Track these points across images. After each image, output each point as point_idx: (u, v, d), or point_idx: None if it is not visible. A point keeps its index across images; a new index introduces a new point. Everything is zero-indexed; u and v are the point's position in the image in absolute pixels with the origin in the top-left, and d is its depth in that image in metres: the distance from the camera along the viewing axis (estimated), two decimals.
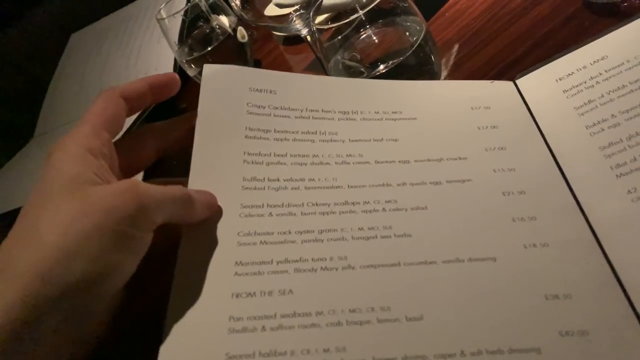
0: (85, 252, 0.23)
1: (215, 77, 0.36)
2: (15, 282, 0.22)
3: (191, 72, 0.56)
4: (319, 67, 0.54)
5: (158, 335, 0.26)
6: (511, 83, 0.41)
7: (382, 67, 0.43)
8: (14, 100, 0.71)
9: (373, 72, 0.43)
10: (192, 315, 0.26)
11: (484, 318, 0.27)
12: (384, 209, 0.32)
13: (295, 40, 0.63)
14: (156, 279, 0.29)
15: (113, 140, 0.31)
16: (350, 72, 0.45)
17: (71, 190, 0.25)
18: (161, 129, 0.35)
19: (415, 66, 0.43)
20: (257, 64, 0.59)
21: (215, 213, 0.30)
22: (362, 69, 0.45)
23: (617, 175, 0.33)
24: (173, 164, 0.49)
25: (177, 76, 0.34)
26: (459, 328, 0.27)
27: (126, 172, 0.32)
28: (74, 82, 0.71)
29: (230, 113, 0.35)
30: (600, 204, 0.32)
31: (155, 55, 0.60)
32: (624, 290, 0.28)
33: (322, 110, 0.37)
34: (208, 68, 0.36)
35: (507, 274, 0.29)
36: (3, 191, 0.57)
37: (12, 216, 0.52)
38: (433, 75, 0.43)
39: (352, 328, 0.26)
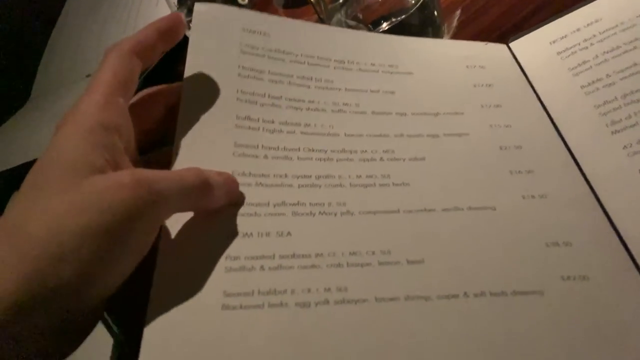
0: (76, 254, 0.21)
1: (207, 13, 0.34)
2: None
3: (189, 32, 0.54)
4: None
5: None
6: (504, 46, 0.41)
7: (384, 24, 0.43)
8: (9, 66, 0.69)
9: (375, 31, 0.43)
10: (187, 254, 0.25)
11: (486, 262, 0.27)
12: (381, 158, 0.31)
13: (295, 3, 0.62)
14: None
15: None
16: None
17: (67, 180, 0.22)
18: (170, 90, 0.32)
19: (418, 26, 0.42)
20: None
21: (235, 201, 0.27)
22: (364, 29, 0.44)
23: (612, 132, 0.33)
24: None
25: (181, 15, 0.30)
26: (461, 271, 0.26)
27: (142, 141, 0.29)
28: (71, 45, 0.68)
29: (222, 50, 0.33)
30: (596, 159, 0.32)
31: (155, 17, 0.58)
32: (621, 239, 0.29)
33: (318, 57, 0.35)
34: (200, 5, 0.34)
35: (507, 222, 0.29)
36: None
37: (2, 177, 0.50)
38: (435, 36, 0.43)
39: (353, 269, 0.26)
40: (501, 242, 0.28)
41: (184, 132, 0.29)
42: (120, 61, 0.27)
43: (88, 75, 0.60)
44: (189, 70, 0.32)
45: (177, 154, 0.28)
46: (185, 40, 0.36)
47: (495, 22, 0.45)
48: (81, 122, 0.24)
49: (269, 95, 0.32)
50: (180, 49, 0.32)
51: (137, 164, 0.26)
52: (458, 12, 0.47)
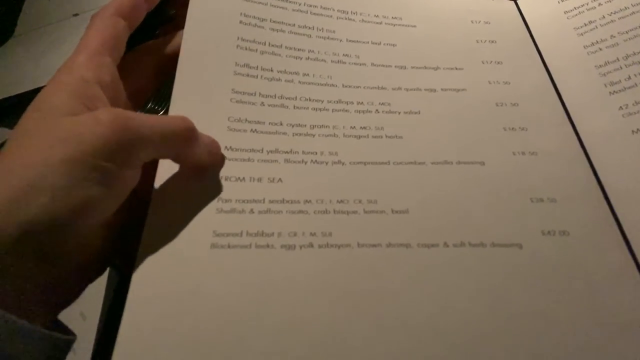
0: (49, 186, 0.20)
1: None
2: None
3: None
4: None
5: None
6: (512, 2, 0.40)
7: None
8: None
9: None
10: (180, 194, 0.26)
11: (468, 215, 0.28)
12: (377, 110, 0.32)
13: None
14: None
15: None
16: None
17: (47, 121, 0.23)
18: (156, 46, 0.32)
19: None
20: None
21: (217, 162, 0.28)
22: None
23: (610, 93, 0.33)
24: (174, 14, 0.47)
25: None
26: (443, 222, 0.27)
27: (133, 100, 0.30)
28: None
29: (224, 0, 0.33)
30: (591, 117, 0.33)
31: None
32: (606, 197, 0.29)
33: (321, 7, 0.36)
34: None
35: (494, 177, 0.29)
36: None
37: None
38: None
39: (339, 216, 0.27)
40: (486, 196, 0.28)
41: (183, 78, 0.30)
42: (105, 23, 0.27)
43: (75, 15, 0.60)
44: (189, 18, 0.32)
45: (174, 98, 0.29)
46: None
47: None
48: (64, 78, 0.25)
49: (269, 44, 0.33)
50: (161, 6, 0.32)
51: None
52: None
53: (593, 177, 0.30)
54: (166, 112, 0.44)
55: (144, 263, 0.24)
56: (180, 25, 0.33)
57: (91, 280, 0.26)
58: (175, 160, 0.26)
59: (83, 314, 0.36)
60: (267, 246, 0.25)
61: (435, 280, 0.25)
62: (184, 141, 0.25)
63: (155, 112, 0.45)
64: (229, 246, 0.25)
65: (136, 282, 0.23)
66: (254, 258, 0.24)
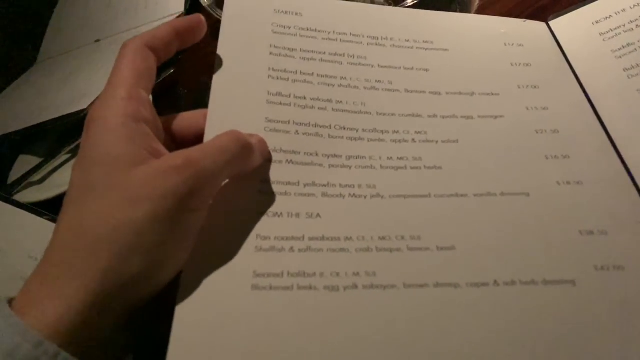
0: (142, 245, 0.21)
1: None
2: (74, 283, 0.20)
3: (204, 1, 0.53)
4: None
5: None
6: (544, 24, 0.40)
7: (410, 1, 0.41)
8: (17, 28, 0.68)
9: (400, 5, 0.41)
10: (218, 231, 0.25)
11: (517, 250, 0.26)
12: (413, 139, 0.31)
13: None
14: None
15: None
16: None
17: (114, 176, 0.22)
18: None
19: (445, 2, 0.41)
20: None
21: (267, 157, 0.28)
22: (385, 4, 0.43)
23: None
24: (183, 92, 0.47)
25: (203, 18, 0.30)
26: (491, 259, 0.26)
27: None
28: (79, 9, 0.67)
29: (254, 32, 0.33)
30: (636, 144, 0.31)
31: None
32: None
33: (351, 34, 0.35)
34: None
35: (540, 209, 0.28)
36: (2, 114, 0.55)
37: (7, 138, 0.51)
38: (463, 12, 0.41)
39: (382, 254, 0.25)
40: (534, 229, 0.27)
41: (215, 110, 0.29)
42: (138, 55, 0.27)
43: (97, 40, 0.60)
44: (221, 50, 0.31)
45: (207, 128, 0.28)
46: None
47: (525, 0, 0.43)
48: (111, 118, 0.24)
49: (300, 72, 0.32)
50: None
51: (169, 150, 0.26)
52: None
53: None
54: None
55: (185, 309, 0.23)
56: (204, 51, 0.32)
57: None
58: (238, 175, 0.26)
59: None
60: (310, 287, 0.24)
61: (489, 322, 0.24)
62: (245, 158, 0.26)
63: None
64: (270, 287, 0.24)
65: (178, 328, 0.22)
66: (296, 300, 0.23)
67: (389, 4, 0.42)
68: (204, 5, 0.54)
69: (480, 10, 0.44)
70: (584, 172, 0.30)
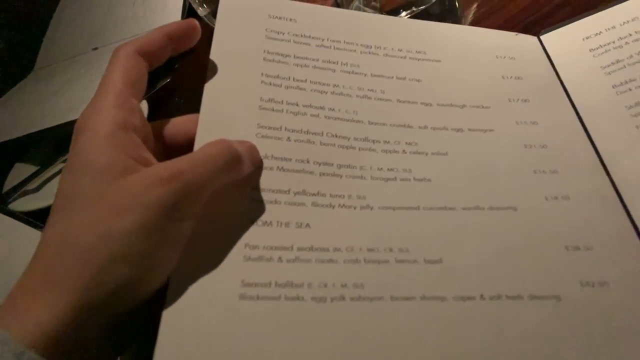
0: (128, 255, 0.21)
1: (233, 2, 0.34)
2: (57, 292, 0.20)
3: (202, 11, 0.54)
4: None
5: None
6: (535, 38, 0.40)
7: (403, 14, 0.42)
8: (14, 35, 0.68)
9: None
10: (206, 239, 0.25)
11: (504, 264, 0.27)
12: (404, 150, 0.31)
13: None
14: None
15: None
16: None
17: (101, 186, 0.22)
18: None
19: (438, 15, 0.42)
20: None
21: (258, 165, 0.28)
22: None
23: None
24: (180, 102, 0.48)
25: (196, 23, 0.30)
26: (478, 273, 0.26)
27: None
28: (77, 16, 0.68)
29: (247, 37, 0.33)
30: (624, 161, 0.32)
31: None
32: None
33: (345, 42, 0.35)
34: None
35: (527, 223, 0.28)
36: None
37: (3, 146, 0.51)
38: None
39: (370, 266, 0.26)
40: (520, 244, 0.28)
41: (207, 113, 0.29)
42: (129, 61, 0.26)
43: (95, 49, 0.60)
44: (214, 54, 0.31)
45: (199, 133, 0.28)
46: None
47: (518, 15, 0.44)
48: (100, 126, 0.24)
49: (293, 79, 0.32)
50: None
51: (159, 157, 0.26)
52: (474, 7, 0.45)
53: (630, 224, 0.29)
54: None
55: (171, 316, 0.23)
56: (200, 59, 0.32)
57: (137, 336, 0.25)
58: (228, 183, 0.26)
59: None
60: (297, 298, 0.24)
61: (472, 336, 0.24)
62: (233, 168, 0.26)
63: None
64: (257, 297, 0.24)
65: (163, 336, 0.22)
66: (283, 311, 0.24)
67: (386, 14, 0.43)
68: (201, 15, 0.54)
69: (473, 24, 0.44)
70: (572, 187, 0.30)
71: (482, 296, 0.25)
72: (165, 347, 0.22)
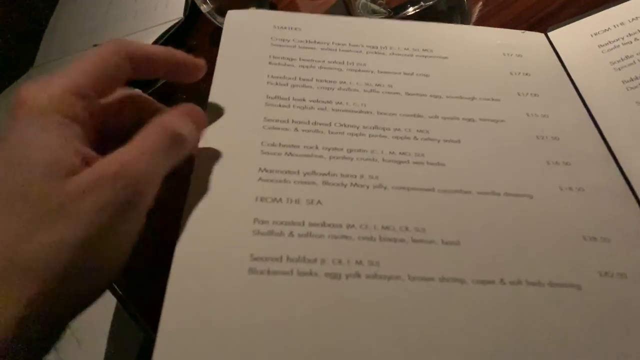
0: (75, 265, 0.20)
1: (238, 17, 0.36)
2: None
3: (205, 8, 0.53)
4: (338, 12, 0.52)
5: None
6: (543, 35, 0.40)
7: (410, 9, 0.42)
8: (14, 31, 0.68)
9: (400, 14, 0.42)
10: (211, 214, 0.24)
11: (522, 250, 0.26)
12: (415, 137, 0.30)
13: None
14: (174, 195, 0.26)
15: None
16: (375, 15, 0.44)
17: (48, 187, 0.20)
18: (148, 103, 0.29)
19: (446, 12, 0.41)
20: (272, 8, 0.57)
21: (202, 125, 0.27)
22: (386, 13, 0.43)
23: None
24: (183, 98, 0.47)
25: (204, 64, 0.29)
26: (497, 257, 0.25)
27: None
28: (78, 13, 0.67)
29: (253, 45, 0.34)
30: (635, 156, 0.31)
31: None
32: None
33: (350, 44, 0.35)
34: (231, 13, 0.36)
35: (544, 211, 0.28)
36: None
37: None
38: (462, 23, 0.42)
39: (386, 244, 0.25)
40: (538, 231, 0.27)
41: (214, 116, 0.29)
42: (110, 57, 0.25)
43: (95, 45, 0.59)
44: (219, 63, 0.32)
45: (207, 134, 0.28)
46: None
47: (525, 12, 0.43)
48: (48, 110, 0.22)
49: (300, 78, 0.32)
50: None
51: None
52: (480, 3, 0.45)
53: None
54: None
55: (176, 290, 0.22)
56: (203, 57, 0.32)
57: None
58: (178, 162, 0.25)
59: (79, 341, 0.34)
60: (310, 273, 0.23)
61: (493, 320, 0.23)
62: (179, 148, 0.24)
63: None
64: (268, 272, 0.23)
65: (168, 310, 0.21)
66: (296, 286, 0.22)
67: (389, 12, 0.43)
68: (204, 12, 0.54)
69: (480, 21, 0.44)
70: (585, 180, 0.30)
71: (502, 280, 0.24)
72: (169, 322, 0.21)
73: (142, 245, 0.24)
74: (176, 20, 0.56)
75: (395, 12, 0.43)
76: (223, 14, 0.52)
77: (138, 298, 0.33)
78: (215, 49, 0.33)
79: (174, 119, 0.25)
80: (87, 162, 0.22)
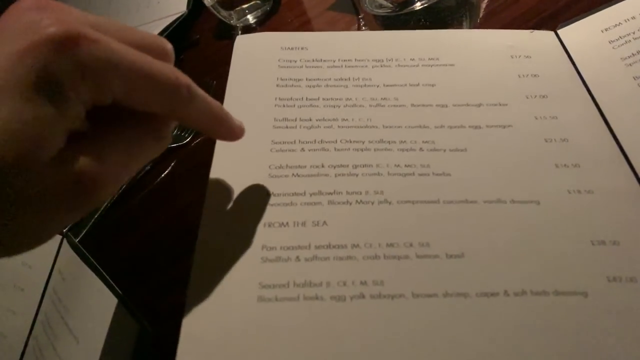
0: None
1: (247, 40, 0.37)
2: None
3: (208, 1, 0.53)
4: (342, 7, 0.51)
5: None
6: (552, 33, 0.39)
7: (418, 4, 0.41)
8: None
9: (408, 8, 0.41)
10: (222, 243, 0.25)
11: (528, 259, 0.26)
12: (421, 148, 0.30)
13: None
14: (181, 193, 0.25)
15: None
16: (382, 10, 0.43)
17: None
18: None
19: (453, 7, 0.41)
20: (277, 2, 0.56)
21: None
22: (393, 6, 0.42)
23: None
24: (211, 83, 0.45)
25: (243, 131, 0.26)
26: (502, 268, 0.25)
27: None
28: (79, 6, 0.66)
29: (261, 69, 0.35)
30: None
31: None
32: None
33: (356, 60, 0.36)
34: (240, 38, 0.37)
35: (551, 217, 0.28)
36: None
37: None
38: (470, 19, 0.41)
39: (390, 262, 0.25)
40: (544, 238, 0.27)
41: (223, 142, 0.30)
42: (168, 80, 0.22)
43: None
44: (230, 87, 0.33)
45: (216, 152, 0.30)
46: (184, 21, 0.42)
47: (533, 8, 0.43)
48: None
49: (306, 98, 0.33)
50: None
51: None
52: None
53: None
54: (194, 138, 0.43)
55: (191, 322, 0.23)
56: (206, 51, 0.33)
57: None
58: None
59: (77, 338, 0.35)
60: (316, 297, 0.23)
61: (497, 333, 0.23)
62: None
63: (181, 137, 0.44)
64: (276, 299, 0.23)
65: (184, 341, 0.22)
66: (302, 311, 0.23)
67: (396, 8, 0.42)
68: (207, 5, 0.53)
69: (488, 17, 0.43)
70: (595, 182, 0.29)
71: (506, 292, 0.24)
72: (185, 353, 0.22)
73: (139, 245, 0.24)
74: (179, 14, 0.56)
75: (402, 7, 0.42)
76: (226, 7, 0.52)
77: (135, 295, 0.34)
78: (219, 42, 0.34)
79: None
80: None
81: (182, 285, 0.24)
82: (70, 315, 0.34)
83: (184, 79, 0.22)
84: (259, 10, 0.54)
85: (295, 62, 0.36)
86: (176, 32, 0.54)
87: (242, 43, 0.37)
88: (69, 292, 0.36)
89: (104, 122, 0.21)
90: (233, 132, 0.26)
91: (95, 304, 0.34)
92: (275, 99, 0.33)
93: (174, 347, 0.22)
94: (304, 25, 0.52)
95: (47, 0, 0.20)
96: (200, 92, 0.23)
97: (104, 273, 0.34)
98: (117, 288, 0.33)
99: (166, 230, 0.37)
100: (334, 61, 0.36)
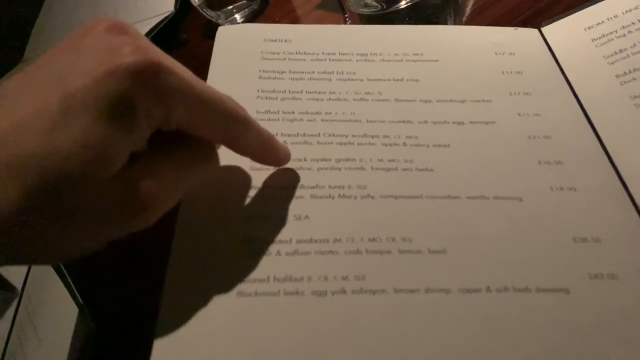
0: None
1: (229, 31, 0.36)
2: None
3: (195, 1, 0.53)
4: (331, 6, 0.51)
5: None
6: (536, 30, 0.39)
7: (403, 2, 0.41)
8: (2, 25, 0.67)
9: (393, 7, 0.41)
10: (201, 237, 0.25)
11: (510, 256, 0.26)
12: (404, 143, 0.30)
13: None
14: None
15: None
16: (367, 9, 0.43)
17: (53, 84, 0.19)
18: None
19: (438, 6, 0.41)
20: (264, 0, 0.56)
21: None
22: (379, 5, 0.43)
23: None
24: None
25: (289, 157, 0.28)
26: (484, 264, 0.25)
27: None
28: (66, 6, 0.66)
29: (243, 60, 0.34)
30: (629, 153, 0.31)
31: None
32: None
33: (340, 53, 0.36)
34: (222, 29, 0.37)
35: (533, 214, 0.28)
36: None
37: None
38: (455, 17, 0.41)
39: (372, 257, 0.25)
40: (527, 235, 0.27)
41: None
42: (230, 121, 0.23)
43: None
44: (210, 78, 0.33)
45: None
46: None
47: (518, 6, 0.43)
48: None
49: (289, 91, 0.33)
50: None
51: None
52: None
53: (637, 216, 0.28)
54: None
55: (168, 316, 0.22)
56: (194, 50, 0.33)
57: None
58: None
59: (40, 340, 0.34)
60: (297, 292, 0.23)
61: (479, 329, 0.23)
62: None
63: None
64: (256, 294, 0.23)
65: (161, 335, 0.21)
66: (283, 306, 0.23)
67: (381, 6, 0.42)
68: (195, 4, 0.53)
69: (474, 16, 0.43)
70: (577, 179, 0.30)
71: (488, 288, 0.24)
72: (163, 349, 0.21)
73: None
74: (167, 14, 0.55)
75: (388, 5, 0.42)
76: (213, 7, 0.52)
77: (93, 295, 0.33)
78: (207, 41, 0.33)
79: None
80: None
81: (159, 290, 0.23)
82: (36, 317, 0.34)
83: (242, 110, 0.24)
84: (247, 10, 0.54)
85: (279, 54, 0.35)
86: (164, 31, 0.54)
87: (225, 34, 0.36)
88: (37, 294, 0.36)
89: (157, 143, 0.21)
90: (279, 160, 0.27)
91: (59, 308, 0.34)
92: (258, 90, 0.33)
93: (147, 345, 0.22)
94: (292, 23, 0.52)
95: (125, 25, 0.21)
96: (254, 122, 0.24)
97: (68, 277, 0.34)
98: (77, 294, 0.33)
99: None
100: (318, 54, 0.35)
